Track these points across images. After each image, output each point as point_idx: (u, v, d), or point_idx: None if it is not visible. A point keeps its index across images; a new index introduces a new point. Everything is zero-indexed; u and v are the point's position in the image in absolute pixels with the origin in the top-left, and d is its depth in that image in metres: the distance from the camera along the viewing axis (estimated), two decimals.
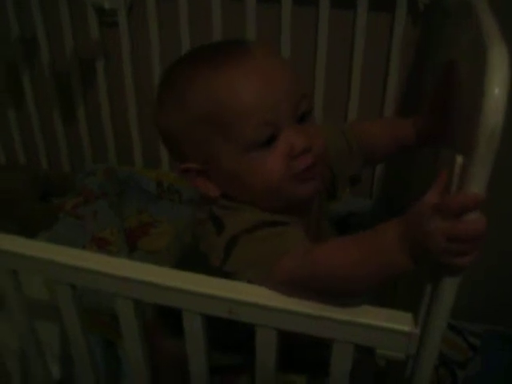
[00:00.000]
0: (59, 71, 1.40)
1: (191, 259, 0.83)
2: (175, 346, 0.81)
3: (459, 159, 0.51)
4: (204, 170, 0.72)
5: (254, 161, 0.68)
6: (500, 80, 0.47)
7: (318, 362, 0.88)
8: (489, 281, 1.14)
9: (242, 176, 0.70)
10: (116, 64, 1.35)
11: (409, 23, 1.15)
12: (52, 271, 0.69)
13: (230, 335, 0.76)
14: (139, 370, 0.75)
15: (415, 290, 0.69)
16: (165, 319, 0.86)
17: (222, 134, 0.68)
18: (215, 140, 0.69)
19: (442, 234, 0.50)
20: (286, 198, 0.71)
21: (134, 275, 0.65)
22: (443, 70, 0.72)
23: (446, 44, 0.88)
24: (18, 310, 0.76)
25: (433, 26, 1.09)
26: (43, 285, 0.99)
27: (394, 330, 0.59)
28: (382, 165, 1.28)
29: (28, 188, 1.36)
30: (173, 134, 0.73)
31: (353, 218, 1.21)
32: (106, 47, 1.35)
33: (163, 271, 0.66)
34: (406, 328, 0.59)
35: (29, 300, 0.77)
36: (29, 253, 0.69)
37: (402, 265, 0.55)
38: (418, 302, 0.64)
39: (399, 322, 0.59)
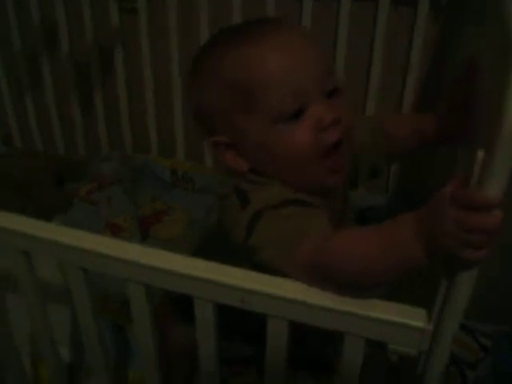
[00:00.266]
0: (78, 58, 1.41)
1: (213, 244, 0.83)
2: (185, 333, 0.81)
3: (480, 154, 0.50)
4: (233, 144, 0.73)
5: (281, 133, 0.69)
6: None
7: (322, 360, 0.88)
8: (503, 282, 1.12)
9: (270, 148, 0.70)
10: (134, 51, 1.35)
11: (430, 19, 1.14)
12: (64, 254, 0.69)
13: (242, 324, 0.75)
14: (149, 355, 0.75)
15: (430, 286, 0.69)
16: (176, 306, 0.87)
17: (250, 103, 0.69)
18: (244, 109, 0.70)
19: (457, 223, 0.50)
20: (312, 181, 0.71)
21: (147, 261, 0.65)
22: (465, 65, 0.71)
23: (468, 41, 0.87)
24: (30, 292, 0.76)
25: (454, 22, 1.08)
26: (57, 268, 0.99)
27: (407, 325, 0.58)
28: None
29: (44, 173, 1.37)
30: (204, 107, 0.74)
31: (370, 212, 1.21)
32: (125, 34, 1.35)
33: (177, 258, 0.65)
34: (420, 324, 0.58)
35: (41, 283, 0.77)
36: (40, 234, 0.69)
37: (417, 258, 0.54)
38: (431, 299, 0.63)
39: (413, 317, 0.59)
